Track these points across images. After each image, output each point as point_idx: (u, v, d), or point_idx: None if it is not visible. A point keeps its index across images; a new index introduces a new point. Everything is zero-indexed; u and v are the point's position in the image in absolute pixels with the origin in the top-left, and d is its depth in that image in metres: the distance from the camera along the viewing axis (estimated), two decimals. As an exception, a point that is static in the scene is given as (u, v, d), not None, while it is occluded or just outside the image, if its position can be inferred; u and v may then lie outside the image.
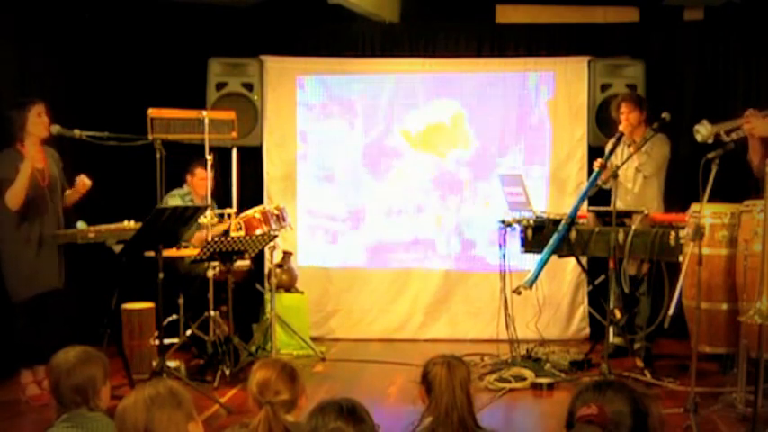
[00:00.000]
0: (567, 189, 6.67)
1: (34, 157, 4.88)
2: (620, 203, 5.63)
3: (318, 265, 6.94)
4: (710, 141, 4.46)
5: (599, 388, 1.95)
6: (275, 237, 5.76)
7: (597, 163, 5.67)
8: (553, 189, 6.75)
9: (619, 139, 5.69)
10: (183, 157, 6.12)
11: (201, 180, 6.13)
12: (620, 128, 5.74)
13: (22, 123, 4.97)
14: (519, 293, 5.39)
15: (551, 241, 5.42)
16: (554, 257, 5.61)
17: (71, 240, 4.93)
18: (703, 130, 4.43)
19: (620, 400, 1.90)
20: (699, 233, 4.28)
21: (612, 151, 5.67)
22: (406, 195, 6.90)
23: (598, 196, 5.99)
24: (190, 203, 6.00)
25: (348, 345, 6.60)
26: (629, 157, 5.59)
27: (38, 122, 5.00)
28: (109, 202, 6.02)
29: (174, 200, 5.93)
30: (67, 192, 5.26)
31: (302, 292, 6.51)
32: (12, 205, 4.86)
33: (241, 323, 6.09)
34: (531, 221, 5.74)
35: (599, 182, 5.68)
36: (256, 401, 2.64)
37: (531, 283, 5.35)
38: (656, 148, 5.66)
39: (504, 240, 5.81)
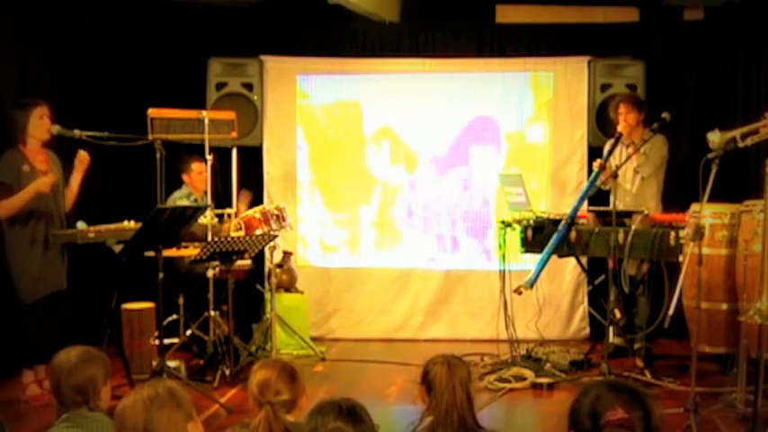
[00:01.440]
0: (567, 189, 6.67)
1: (41, 185, 4.88)
2: (618, 204, 5.64)
3: (318, 265, 6.95)
4: (723, 150, 4.39)
5: (615, 390, 1.94)
6: (275, 237, 5.76)
7: (596, 163, 5.67)
8: (553, 189, 6.75)
9: (617, 140, 5.69)
10: (184, 158, 6.13)
11: (200, 174, 6.13)
12: (619, 128, 5.74)
13: (23, 124, 4.97)
14: (520, 293, 5.39)
15: (551, 241, 5.42)
16: (554, 257, 5.62)
17: (71, 240, 4.93)
18: (715, 138, 4.35)
19: (636, 404, 1.90)
20: (699, 233, 4.28)
21: (611, 152, 5.67)
22: (407, 195, 6.90)
23: (597, 196, 6.00)
24: (194, 203, 6.00)
25: (348, 345, 6.60)
26: (629, 157, 5.59)
27: (39, 125, 5.00)
28: (109, 202, 6.03)
29: (181, 202, 5.91)
30: (65, 190, 5.27)
31: (302, 292, 6.51)
32: (1, 214, 4.88)
33: (241, 323, 6.09)
34: (531, 221, 5.74)
35: (598, 182, 5.69)
36: (257, 401, 2.64)
37: (531, 284, 5.35)
38: (654, 149, 5.67)
39: (504, 240, 5.81)
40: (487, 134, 6.81)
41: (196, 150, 5.93)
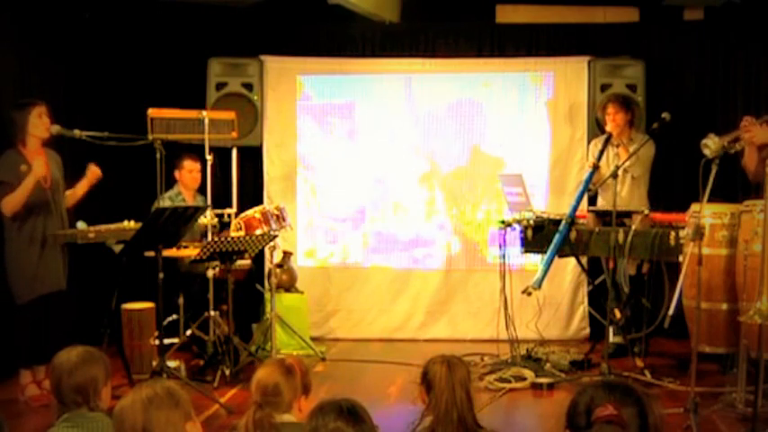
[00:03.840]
0: (566, 189, 6.67)
1: (38, 171, 4.86)
2: (606, 205, 5.65)
3: (318, 266, 6.95)
4: (720, 155, 4.37)
5: (609, 388, 1.95)
6: (275, 237, 5.76)
7: (589, 163, 5.69)
8: (553, 189, 6.75)
9: (607, 140, 5.69)
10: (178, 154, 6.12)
11: (190, 172, 6.14)
12: (607, 129, 5.76)
13: (22, 124, 4.97)
14: (529, 294, 5.39)
15: (554, 241, 5.42)
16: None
17: (71, 240, 4.93)
18: (712, 145, 4.31)
19: (629, 401, 1.91)
20: (699, 233, 4.28)
21: (602, 152, 5.67)
22: (407, 195, 6.90)
23: (592, 196, 6.03)
24: (181, 203, 5.99)
25: (348, 345, 6.60)
26: (629, 156, 5.58)
27: (38, 123, 4.99)
28: (109, 202, 6.02)
29: (163, 202, 5.89)
30: (68, 192, 5.26)
31: (302, 292, 6.51)
32: (6, 211, 4.87)
33: (241, 323, 6.09)
34: (531, 221, 5.75)
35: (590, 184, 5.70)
36: (254, 400, 2.65)
37: (539, 284, 5.35)
38: (643, 150, 5.66)
39: (504, 240, 5.81)
40: (488, 134, 6.81)
41: (192, 149, 5.94)
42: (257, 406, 2.57)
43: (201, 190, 6.15)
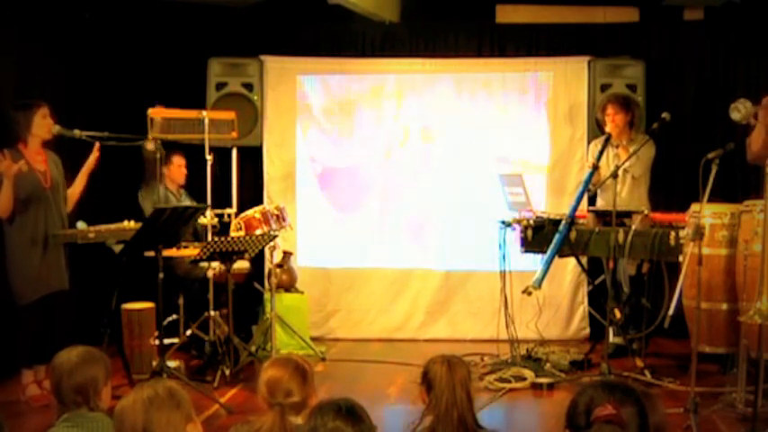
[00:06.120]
0: (566, 189, 6.67)
1: (9, 169, 4.78)
2: (606, 206, 5.64)
3: (318, 266, 6.95)
4: (746, 122, 4.37)
5: (609, 388, 1.95)
6: (275, 237, 5.76)
7: (589, 164, 5.69)
8: (553, 189, 6.75)
9: (607, 141, 5.69)
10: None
11: (179, 167, 6.22)
12: (607, 129, 5.76)
13: (27, 124, 4.98)
14: (529, 294, 5.38)
15: (554, 241, 5.41)
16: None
17: (71, 240, 4.94)
18: (742, 108, 4.31)
19: (629, 401, 1.91)
20: (699, 233, 4.28)
21: (602, 152, 5.67)
22: (406, 195, 6.90)
23: (592, 197, 6.04)
24: (166, 198, 6.02)
25: (348, 345, 6.60)
26: (629, 157, 5.58)
27: (43, 124, 5.01)
28: (109, 202, 6.02)
29: (147, 197, 5.98)
30: (69, 190, 5.26)
31: (302, 292, 6.52)
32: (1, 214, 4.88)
33: (241, 323, 6.09)
34: (531, 221, 5.74)
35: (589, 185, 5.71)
36: (265, 401, 2.63)
37: (539, 283, 5.35)
38: (643, 150, 5.65)
39: (504, 240, 5.81)
40: (488, 134, 6.81)
41: (183, 147, 5.95)
42: (281, 409, 2.54)
43: (201, 190, 6.13)
